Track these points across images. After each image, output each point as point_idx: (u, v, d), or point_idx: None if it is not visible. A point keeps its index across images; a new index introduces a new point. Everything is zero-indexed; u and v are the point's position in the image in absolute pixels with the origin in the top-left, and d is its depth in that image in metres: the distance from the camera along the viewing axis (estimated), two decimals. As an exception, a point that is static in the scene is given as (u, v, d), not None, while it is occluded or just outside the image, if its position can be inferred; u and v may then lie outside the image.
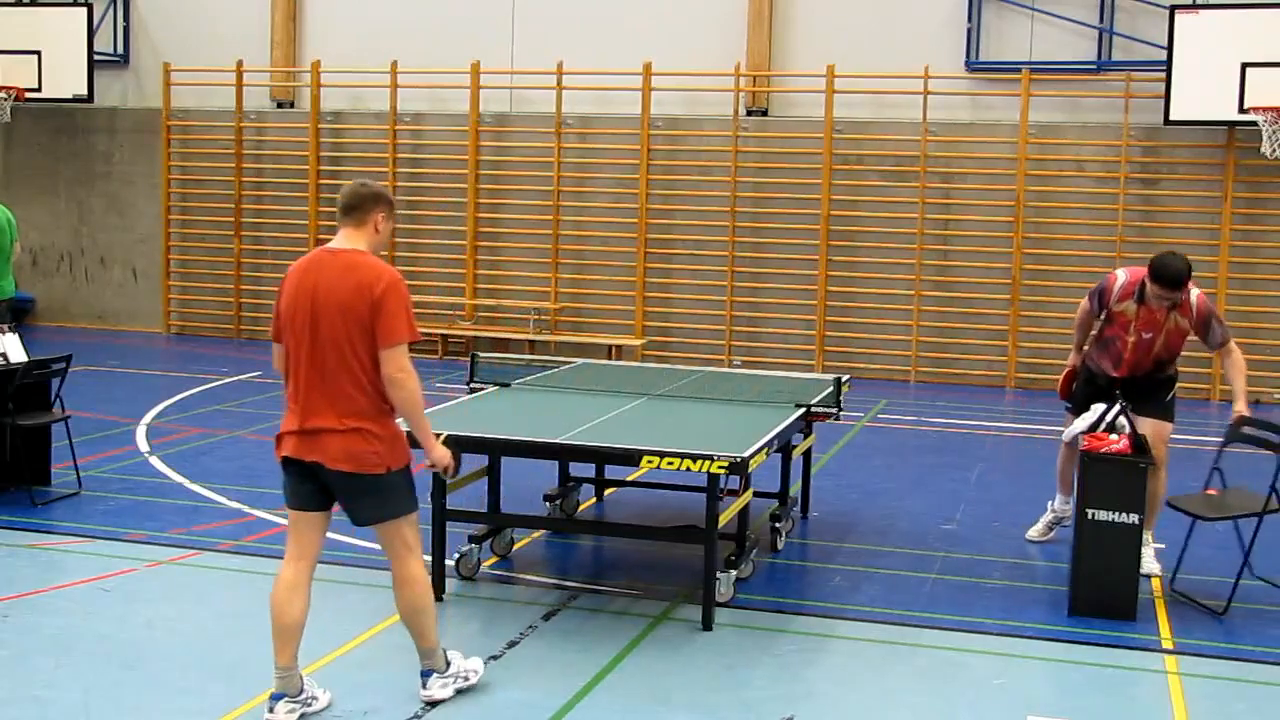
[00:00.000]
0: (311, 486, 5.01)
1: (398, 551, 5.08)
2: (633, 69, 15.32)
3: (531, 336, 15.65)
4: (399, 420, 5.04)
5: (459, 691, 5.27)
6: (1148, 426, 7.14)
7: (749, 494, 6.91)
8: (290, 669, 5.00)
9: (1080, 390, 7.85)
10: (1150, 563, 7.25)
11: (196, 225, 17.35)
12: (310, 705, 5.06)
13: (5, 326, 9.28)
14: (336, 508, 5.09)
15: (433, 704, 5.19)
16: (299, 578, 5.03)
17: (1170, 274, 7.04)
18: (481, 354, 8.32)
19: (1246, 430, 7.20)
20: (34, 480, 8.33)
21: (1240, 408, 7.39)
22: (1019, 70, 14.52)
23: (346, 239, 5.01)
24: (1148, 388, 7.47)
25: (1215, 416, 13.34)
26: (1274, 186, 14.09)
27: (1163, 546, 7.43)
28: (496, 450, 6.80)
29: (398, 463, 5.00)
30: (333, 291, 4.88)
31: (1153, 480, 6.98)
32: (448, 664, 5.28)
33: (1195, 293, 7.25)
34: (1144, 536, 7.02)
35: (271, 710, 4.97)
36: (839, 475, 9.74)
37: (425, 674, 5.24)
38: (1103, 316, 7.53)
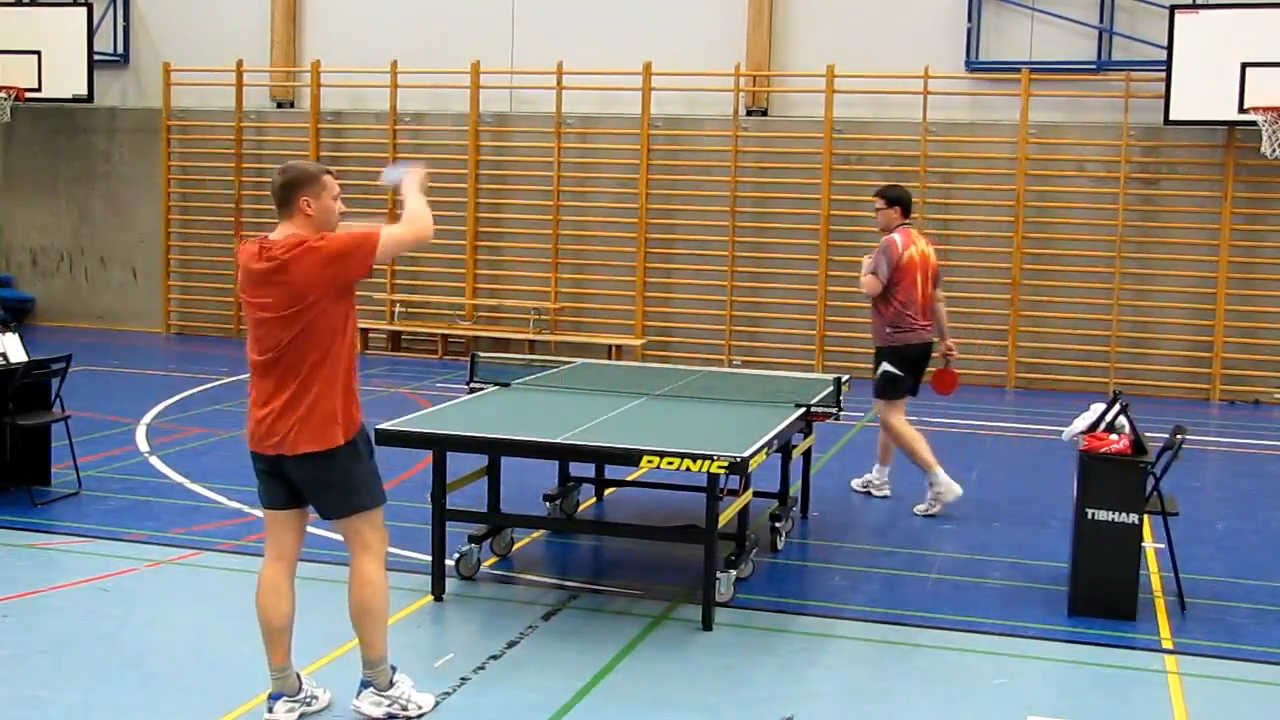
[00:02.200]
0: (280, 484, 4.96)
1: (354, 548, 4.98)
2: (633, 69, 15.32)
3: (531, 336, 15.65)
4: None
5: (390, 717, 5.02)
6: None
7: (749, 494, 6.91)
8: (285, 668, 4.99)
9: (902, 378, 8.65)
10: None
11: (196, 225, 17.36)
12: (310, 705, 5.06)
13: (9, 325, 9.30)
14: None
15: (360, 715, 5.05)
16: (279, 578, 4.99)
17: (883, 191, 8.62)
18: (481, 354, 8.32)
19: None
20: (34, 480, 8.33)
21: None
22: (1019, 70, 14.52)
23: (282, 231, 4.91)
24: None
25: (1215, 416, 13.35)
26: (1274, 186, 14.09)
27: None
28: (496, 450, 6.80)
29: (352, 429, 4.88)
30: (249, 274, 4.82)
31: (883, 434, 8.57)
32: (391, 684, 5.06)
33: (890, 237, 8.44)
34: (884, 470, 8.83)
35: (270, 710, 4.96)
36: (839, 475, 9.73)
37: (363, 684, 5.07)
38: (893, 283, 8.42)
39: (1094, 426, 6.82)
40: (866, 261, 8.54)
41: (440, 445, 6.52)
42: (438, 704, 5.18)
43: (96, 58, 16.82)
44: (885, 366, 8.59)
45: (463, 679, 5.48)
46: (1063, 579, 6.99)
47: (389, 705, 5.04)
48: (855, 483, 9.23)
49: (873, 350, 8.76)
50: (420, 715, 5.07)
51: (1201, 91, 13.47)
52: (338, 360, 4.84)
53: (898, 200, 8.63)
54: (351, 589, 5.00)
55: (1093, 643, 6.24)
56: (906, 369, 8.61)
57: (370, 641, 5.02)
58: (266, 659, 4.99)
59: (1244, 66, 13.29)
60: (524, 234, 16.06)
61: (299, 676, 5.05)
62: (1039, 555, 7.73)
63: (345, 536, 5.02)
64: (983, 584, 7.16)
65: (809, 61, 15.18)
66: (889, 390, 8.65)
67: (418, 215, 5.08)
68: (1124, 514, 6.50)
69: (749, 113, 15.48)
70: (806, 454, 8.49)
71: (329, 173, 5.05)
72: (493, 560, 7.21)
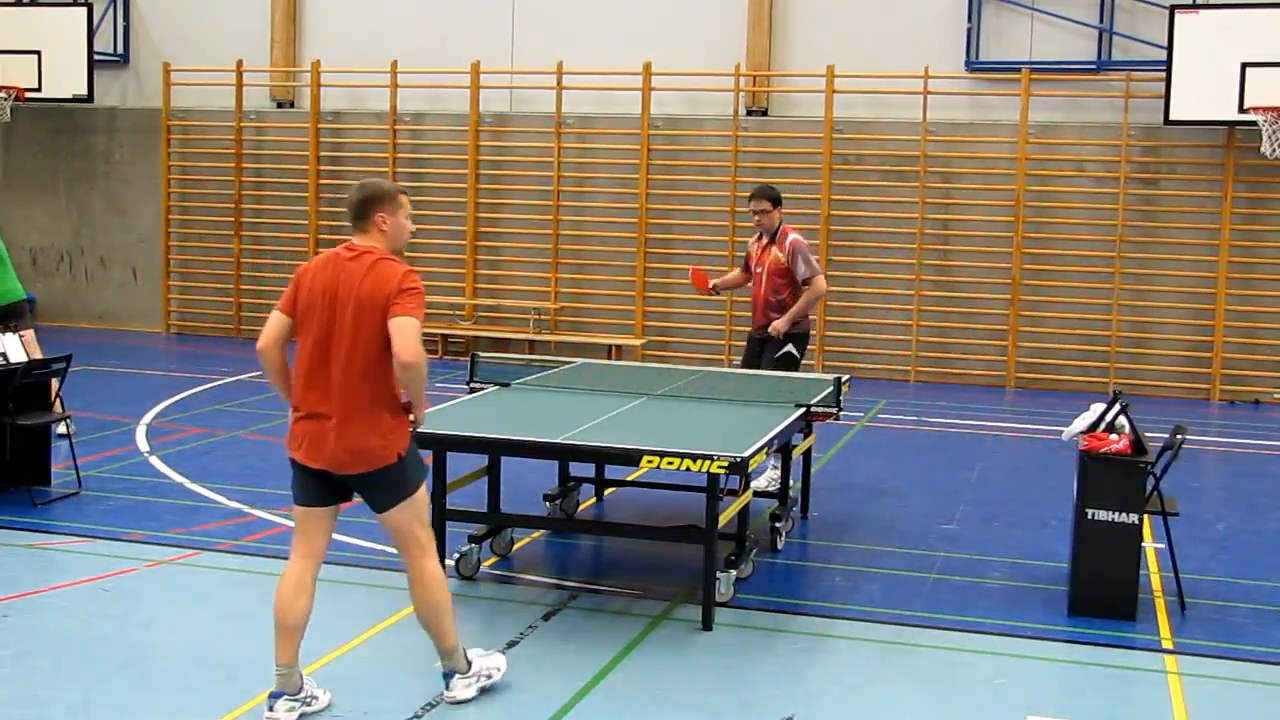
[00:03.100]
0: (321, 485, 5.05)
1: (411, 550, 5.10)
2: (633, 69, 15.32)
3: (531, 336, 15.65)
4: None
5: (483, 690, 5.25)
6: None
7: (749, 494, 6.91)
8: (291, 666, 5.00)
9: (745, 350, 9.23)
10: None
11: (196, 225, 17.35)
12: (310, 705, 5.06)
13: (13, 325, 9.31)
14: (344, 506, 5.12)
15: (455, 702, 5.18)
16: (305, 576, 5.05)
17: (756, 190, 9.05)
18: (481, 354, 8.33)
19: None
20: (34, 480, 8.33)
21: (778, 325, 8.80)
22: (1019, 70, 14.52)
23: (360, 244, 5.09)
24: (768, 347, 8.89)
25: (1215, 416, 13.35)
26: (1274, 186, 14.09)
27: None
28: (496, 450, 6.80)
29: (405, 446, 5.03)
30: (350, 286, 4.94)
31: None
32: (469, 664, 5.26)
33: (794, 235, 8.93)
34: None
35: (271, 709, 4.97)
36: (839, 475, 9.74)
37: (447, 675, 5.22)
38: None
39: (1094, 426, 6.82)
40: (802, 267, 8.86)
41: (440, 445, 6.52)
42: (488, 687, 5.31)
43: (96, 58, 16.81)
44: (791, 349, 8.92)
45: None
46: (1063, 579, 6.99)
47: (478, 681, 5.26)
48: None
49: (779, 338, 8.89)
50: (502, 674, 5.34)
51: (1201, 91, 13.46)
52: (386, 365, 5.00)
53: (781, 201, 9.09)
54: (415, 589, 5.13)
55: (1093, 643, 6.24)
56: (801, 352, 9.06)
57: (444, 632, 5.17)
58: (275, 654, 4.99)
59: (1244, 66, 13.29)
60: (524, 234, 16.06)
61: (301, 676, 5.05)
62: (1039, 555, 7.73)
63: (400, 535, 5.11)
64: (983, 584, 7.16)
65: (809, 61, 15.18)
66: (792, 371, 8.99)
67: (423, 372, 5.01)
68: (1124, 514, 6.50)
69: (749, 113, 15.48)
70: (807, 454, 8.49)
71: (404, 192, 5.28)
72: (493, 560, 7.22)
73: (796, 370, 8.96)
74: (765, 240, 9.00)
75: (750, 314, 9.21)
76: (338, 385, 4.93)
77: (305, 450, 4.99)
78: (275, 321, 5.09)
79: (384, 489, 5.02)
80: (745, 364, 9.17)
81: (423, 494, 5.14)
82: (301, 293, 5.04)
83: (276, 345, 5.08)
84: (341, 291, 4.95)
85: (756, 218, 8.99)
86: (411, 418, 5.09)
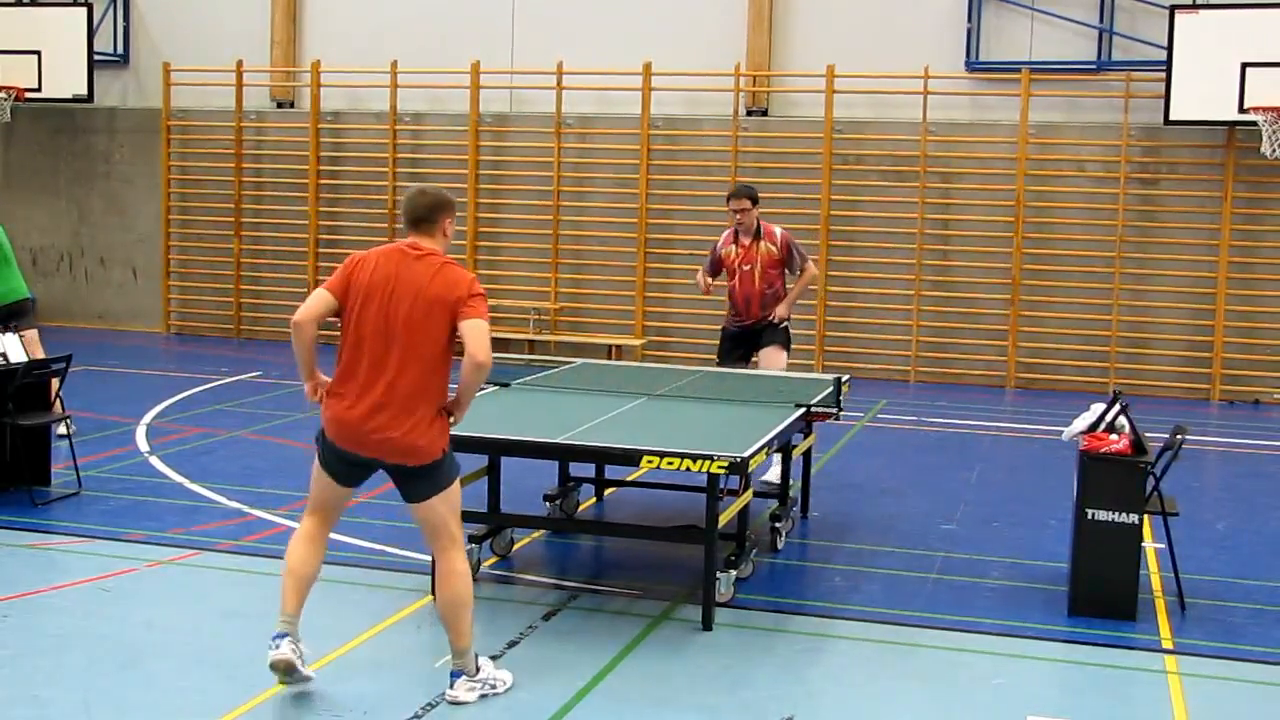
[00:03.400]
0: (354, 467, 5.21)
1: (442, 542, 5.22)
2: (633, 69, 15.32)
3: (531, 336, 15.65)
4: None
5: (483, 698, 5.25)
6: (770, 353, 9.04)
7: (749, 494, 6.91)
8: (295, 617, 5.17)
9: (721, 349, 9.42)
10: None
11: (196, 225, 17.35)
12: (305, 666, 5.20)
13: (13, 325, 9.31)
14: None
15: (452, 702, 5.20)
16: (319, 530, 5.27)
17: (735, 189, 9.35)
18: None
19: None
20: (34, 480, 8.32)
21: (780, 311, 9.16)
22: (1019, 70, 14.52)
23: (425, 245, 5.20)
24: (768, 331, 9.19)
25: (1215, 416, 13.35)
26: (1274, 186, 14.09)
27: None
28: (496, 450, 6.80)
29: (448, 441, 5.18)
30: (421, 287, 5.06)
31: None
32: (478, 669, 5.29)
33: (778, 228, 9.30)
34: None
35: (277, 646, 5.10)
36: (839, 475, 9.74)
37: (454, 674, 5.25)
38: (722, 274, 9.33)
39: (1094, 426, 6.82)
40: (797, 256, 9.22)
41: (440, 445, 6.53)
42: (494, 694, 5.32)
43: (96, 58, 16.81)
44: (787, 324, 9.32)
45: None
46: (1062, 579, 6.99)
47: (481, 688, 5.27)
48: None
49: (779, 326, 9.22)
50: (507, 690, 5.31)
51: (1201, 91, 13.46)
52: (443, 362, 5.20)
53: (758, 199, 9.28)
54: (442, 583, 5.24)
55: (1093, 643, 6.24)
56: None
57: (461, 631, 5.23)
58: (282, 604, 5.16)
59: (1244, 66, 13.29)
60: (523, 234, 16.06)
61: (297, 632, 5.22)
62: (1039, 555, 7.73)
63: (432, 529, 5.24)
64: (982, 584, 7.16)
65: (809, 61, 15.18)
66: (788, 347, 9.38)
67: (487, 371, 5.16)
68: (1124, 514, 6.50)
69: (749, 113, 15.48)
70: (807, 454, 8.49)
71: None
72: (493, 560, 7.22)
73: (790, 346, 9.36)
74: (748, 239, 9.18)
75: (728, 311, 9.39)
76: (393, 377, 5.04)
77: (350, 438, 5.09)
78: (320, 299, 5.17)
79: (426, 481, 5.15)
80: (730, 358, 9.30)
81: (457, 488, 5.28)
82: (358, 280, 5.13)
83: (314, 322, 5.15)
84: (402, 287, 5.07)
85: (737, 216, 9.19)
86: (451, 419, 5.22)
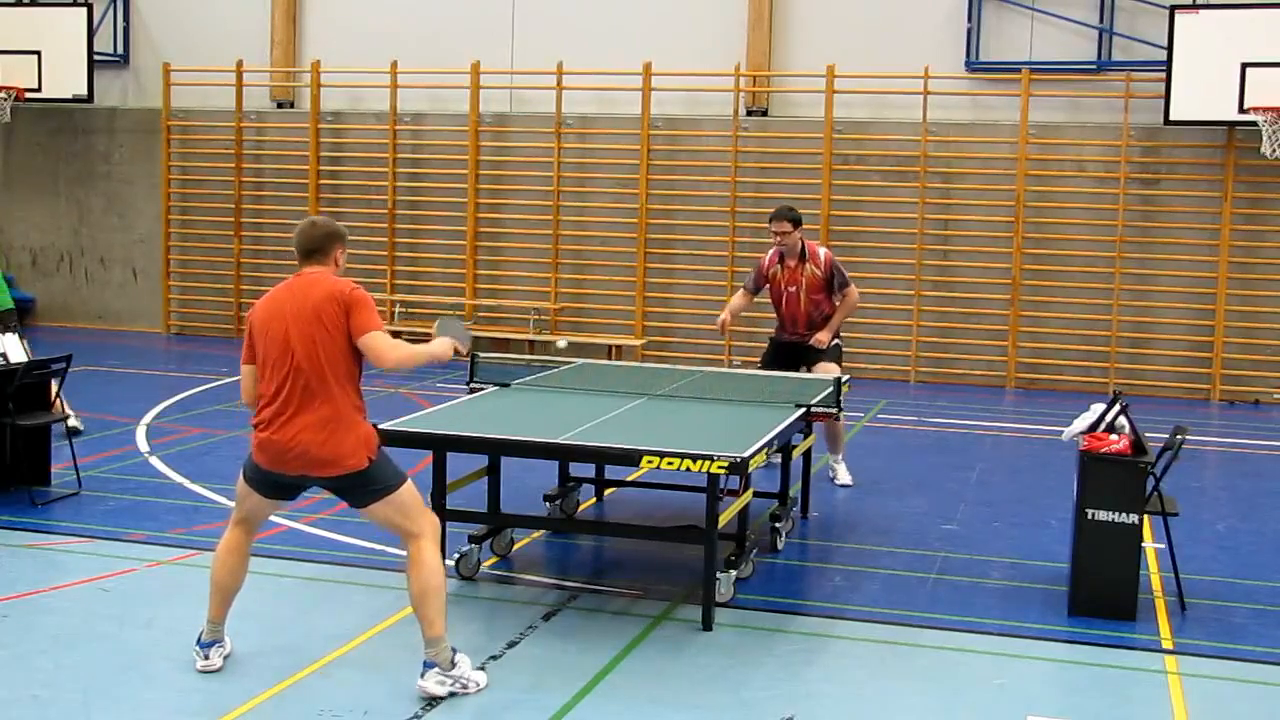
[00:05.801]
0: (284, 489, 5.38)
1: (403, 535, 5.32)
2: (633, 69, 15.32)
3: (532, 336, 15.65)
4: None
5: (452, 694, 5.24)
6: (824, 368, 8.96)
7: (749, 494, 6.91)
8: (220, 625, 5.47)
9: (767, 355, 9.54)
10: (846, 476, 9.35)
11: (196, 225, 17.35)
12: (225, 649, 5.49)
13: (12, 325, 9.31)
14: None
15: (429, 699, 5.19)
16: (242, 541, 5.45)
17: (777, 211, 9.31)
18: (481, 354, 8.31)
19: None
20: (34, 480, 8.33)
21: (821, 337, 9.18)
22: (1019, 70, 14.52)
23: (310, 272, 5.39)
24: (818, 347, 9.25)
25: (1215, 416, 13.35)
26: (1274, 186, 14.09)
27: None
28: (496, 450, 6.80)
29: (375, 451, 5.27)
30: (305, 303, 5.21)
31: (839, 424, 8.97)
32: (453, 664, 5.29)
33: (825, 250, 9.43)
34: (838, 457, 9.38)
35: (207, 656, 5.39)
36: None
37: (427, 664, 5.26)
38: (767, 290, 9.42)
39: (1094, 427, 6.82)
40: (840, 280, 9.27)
41: (440, 445, 6.54)
42: (480, 689, 5.35)
43: (96, 58, 16.81)
44: (838, 340, 9.39)
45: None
46: (1063, 579, 6.99)
47: (452, 684, 5.26)
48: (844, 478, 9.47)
49: (827, 345, 9.25)
50: (479, 691, 5.29)
51: (1201, 91, 13.47)
52: (351, 373, 5.35)
53: (801, 221, 9.38)
54: (409, 573, 5.29)
55: (1093, 643, 6.24)
56: None
57: (429, 620, 5.26)
58: (209, 612, 5.44)
59: (1244, 66, 13.29)
60: (524, 234, 16.06)
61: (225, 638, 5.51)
62: (1039, 555, 7.73)
63: (388, 524, 5.36)
64: (983, 584, 7.16)
65: (809, 61, 15.18)
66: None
67: (410, 354, 5.36)
68: (1124, 514, 6.50)
69: (749, 113, 15.48)
70: (806, 454, 8.49)
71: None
72: (493, 560, 7.22)
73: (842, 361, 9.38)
74: (793, 261, 9.22)
75: (777, 323, 9.46)
76: (301, 395, 5.17)
77: (275, 460, 5.23)
78: (246, 375, 5.39)
79: (359, 490, 5.27)
80: (774, 365, 9.30)
81: (407, 488, 5.33)
82: (256, 322, 5.35)
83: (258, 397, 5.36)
84: (292, 309, 5.22)
85: (778, 238, 9.19)
86: (451, 354, 5.50)
